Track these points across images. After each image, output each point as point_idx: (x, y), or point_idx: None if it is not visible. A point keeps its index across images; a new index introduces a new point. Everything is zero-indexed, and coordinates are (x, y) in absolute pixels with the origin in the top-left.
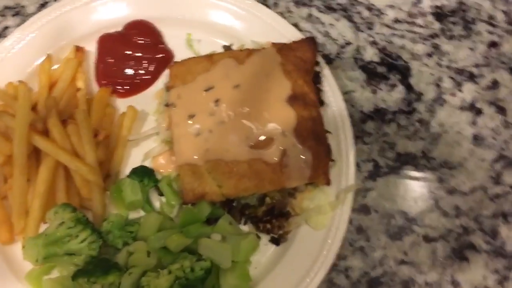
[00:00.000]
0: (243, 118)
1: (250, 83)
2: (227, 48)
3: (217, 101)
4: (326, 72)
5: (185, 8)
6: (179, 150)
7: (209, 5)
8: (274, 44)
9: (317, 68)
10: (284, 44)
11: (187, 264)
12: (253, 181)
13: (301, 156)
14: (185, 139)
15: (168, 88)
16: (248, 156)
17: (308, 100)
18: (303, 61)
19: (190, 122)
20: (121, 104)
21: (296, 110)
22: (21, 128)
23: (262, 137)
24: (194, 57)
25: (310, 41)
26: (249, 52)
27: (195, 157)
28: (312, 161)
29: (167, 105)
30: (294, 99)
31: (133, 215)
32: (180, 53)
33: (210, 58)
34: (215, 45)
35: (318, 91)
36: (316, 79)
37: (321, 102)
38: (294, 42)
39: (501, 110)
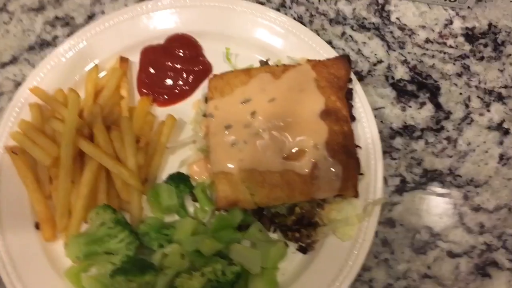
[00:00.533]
0: (277, 131)
1: (285, 97)
2: (263, 63)
3: (253, 114)
4: (358, 89)
5: (224, 23)
6: (215, 158)
7: (248, 21)
8: (309, 61)
9: (349, 85)
10: (319, 61)
11: (219, 267)
12: (284, 191)
13: (332, 168)
14: (221, 149)
15: (207, 99)
16: (280, 167)
17: (340, 115)
18: (336, 78)
19: (226, 132)
20: (161, 112)
21: (328, 124)
22: (69, 132)
23: (295, 149)
24: (232, 71)
25: (344, 59)
26: (285, 68)
27: (230, 166)
28: (342, 174)
29: (205, 115)
30: (326, 114)
31: (168, 219)
32: (218, 66)
33: (248, 72)
34: (252, 59)
35: (350, 107)
36: (348, 95)
37: (353, 118)
38: (329, 60)
39: None
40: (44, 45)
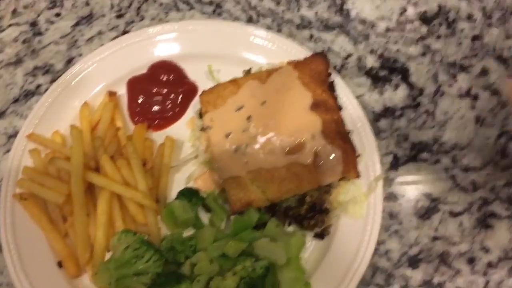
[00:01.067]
0: (274, 129)
1: (275, 98)
2: (247, 72)
3: (248, 118)
4: (338, 81)
5: (203, 44)
6: (222, 166)
7: (225, 38)
8: (289, 62)
9: (330, 79)
10: (298, 61)
11: (248, 264)
12: (293, 183)
13: (332, 154)
14: (226, 156)
15: (201, 114)
16: (285, 162)
17: (328, 105)
18: (317, 73)
19: (227, 140)
20: (157, 136)
21: (320, 115)
22: (77, 168)
23: (295, 143)
24: (220, 84)
25: (321, 55)
26: (269, 72)
27: (237, 170)
28: (341, 157)
29: (202, 129)
30: (316, 106)
31: (185, 233)
32: (203, 83)
33: (235, 82)
34: (234, 72)
35: (335, 97)
36: (330, 87)
37: (339, 107)
38: (307, 58)
39: (494, 92)
40: (29, 95)
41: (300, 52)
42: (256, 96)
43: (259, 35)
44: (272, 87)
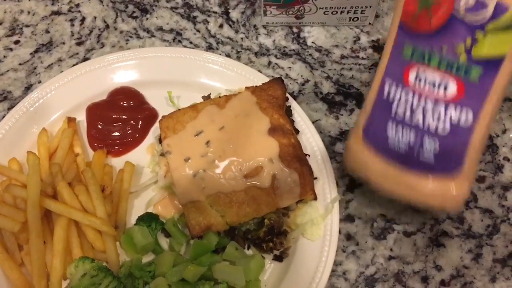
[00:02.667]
0: (232, 154)
1: (233, 123)
2: (206, 97)
3: (207, 143)
4: (295, 106)
5: (162, 71)
6: (181, 191)
7: (184, 65)
8: (247, 88)
9: (287, 103)
10: (256, 86)
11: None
12: (251, 206)
13: (289, 177)
14: (185, 180)
15: (160, 140)
16: (243, 186)
17: (285, 129)
18: (275, 98)
19: (186, 165)
20: (117, 162)
21: (277, 139)
22: (33, 194)
23: (252, 167)
24: (180, 109)
25: (278, 80)
26: (228, 98)
27: (196, 194)
28: (299, 180)
29: (162, 154)
30: (273, 131)
31: (144, 259)
32: (163, 109)
33: (195, 107)
34: (194, 98)
35: (292, 122)
36: (288, 112)
37: (296, 131)
38: (265, 84)
39: None
40: None
41: (258, 78)
42: (215, 121)
43: (217, 62)
44: (230, 112)
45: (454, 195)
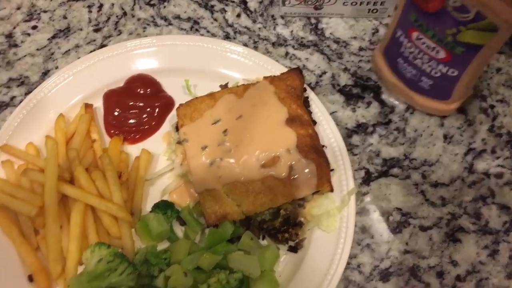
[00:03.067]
0: (250, 143)
1: (250, 112)
2: (224, 86)
3: (225, 131)
4: (313, 96)
5: (180, 59)
6: (197, 179)
7: (201, 54)
8: (265, 77)
9: (305, 94)
10: (275, 76)
11: (222, 277)
12: (268, 196)
13: (306, 168)
14: (201, 169)
15: (177, 127)
16: (260, 175)
17: (303, 120)
18: (293, 88)
19: (203, 153)
20: (133, 150)
21: (295, 129)
22: (51, 179)
23: (270, 157)
24: (197, 97)
25: (297, 71)
26: (246, 87)
27: (213, 183)
28: (316, 171)
29: (179, 142)
30: (291, 121)
31: (159, 247)
32: (179, 98)
33: (212, 96)
34: (211, 87)
35: (309, 112)
36: (305, 103)
37: (314, 122)
38: (283, 73)
39: (462, 111)
40: (3, 106)
41: (276, 68)
42: (232, 110)
43: (236, 51)
44: (248, 101)
45: (443, 110)
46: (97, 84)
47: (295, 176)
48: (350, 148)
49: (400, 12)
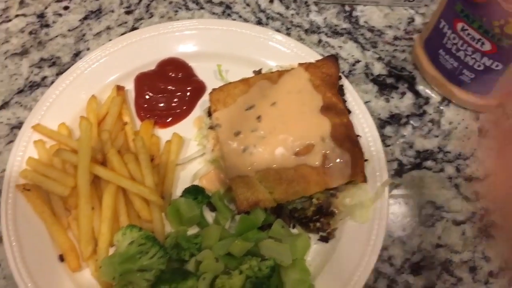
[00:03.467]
0: (283, 130)
1: (285, 99)
2: (257, 72)
3: (259, 118)
4: (347, 85)
5: (213, 43)
6: (230, 165)
7: (234, 39)
8: (301, 64)
9: (339, 82)
10: (310, 63)
11: (254, 264)
12: (301, 185)
13: (340, 157)
14: (234, 155)
15: (209, 112)
16: (293, 163)
17: (338, 109)
18: (328, 75)
19: (236, 139)
20: (163, 134)
21: (330, 118)
22: (84, 160)
23: (304, 145)
24: (231, 82)
25: (332, 58)
26: (280, 73)
27: (245, 169)
28: (350, 161)
29: (211, 127)
30: (326, 110)
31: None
32: (211, 83)
33: (246, 81)
34: (243, 73)
35: (344, 101)
36: (340, 91)
37: (348, 111)
38: (318, 61)
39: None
40: (34, 86)
41: (310, 55)
42: (266, 97)
43: (269, 37)
44: (283, 88)
45: (482, 105)
46: (129, 66)
47: (329, 165)
48: (383, 139)
49: (445, 2)
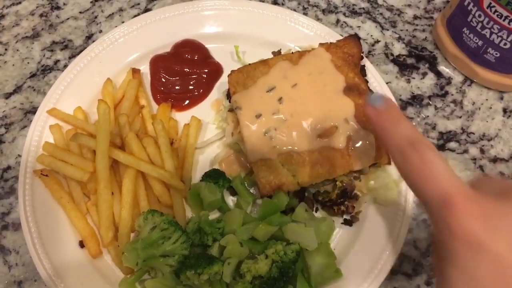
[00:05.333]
0: (306, 112)
1: (306, 80)
2: (277, 53)
3: (280, 99)
4: (369, 65)
5: (229, 24)
6: (251, 148)
7: (250, 19)
8: (321, 44)
9: (361, 62)
10: (331, 43)
11: (280, 248)
12: (325, 167)
13: (365, 139)
14: (256, 138)
15: (228, 95)
16: (317, 145)
17: (361, 89)
18: (350, 56)
19: (257, 121)
20: (180, 117)
21: (353, 99)
22: (103, 144)
23: (327, 127)
24: (250, 64)
25: (354, 37)
26: (301, 54)
27: (268, 152)
28: (374, 143)
29: (230, 110)
30: (349, 90)
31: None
32: (228, 65)
33: (266, 62)
34: (261, 54)
35: (366, 81)
36: (362, 71)
37: (370, 91)
38: (340, 40)
39: None
40: (47, 70)
41: (329, 35)
42: (287, 78)
43: (287, 17)
44: (304, 69)
45: (507, 84)
46: (144, 48)
47: (353, 147)
48: None
49: None
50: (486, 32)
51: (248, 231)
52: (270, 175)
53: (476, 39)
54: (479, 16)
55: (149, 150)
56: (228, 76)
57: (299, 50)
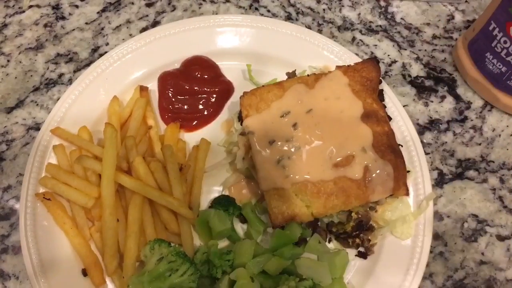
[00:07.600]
0: (321, 140)
1: (322, 106)
2: (291, 74)
3: (295, 125)
4: (387, 89)
5: (240, 41)
6: (264, 176)
7: (263, 37)
8: (339, 67)
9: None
10: (349, 66)
11: (293, 284)
12: (340, 198)
13: (383, 169)
14: (269, 165)
15: (240, 117)
16: (332, 175)
17: (379, 116)
18: (369, 80)
19: (271, 148)
20: (188, 137)
21: (371, 127)
22: (109, 169)
23: (343, 156)
24: (264, 86)
25: (373, 61)
26: (317, 77)
27: (281, 181)
28: (392, 173)
29: (242, 133)
30: (367, 117)
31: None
32: (239, 83)
33: (280, 85)
34: (273, 74)
35: (384, 107)
36: (380, 96)
37: (389, 118)
38: (358, 63)
39: None
40: (50, 84)
41: (346, 56)
42: (303, 102)
43: (300, 34)
44: (320, 93)
45: None
46: (152, 65)
47: (371, 178)
48: (422, 146)
49: (498, 3)
50: (511, 59)
51: (259, 265)
52: (283, 205)
53: (499, 65)
54: (505, 42)
55: (156, 176)
56: (241, 98)
57: (315, 70)
